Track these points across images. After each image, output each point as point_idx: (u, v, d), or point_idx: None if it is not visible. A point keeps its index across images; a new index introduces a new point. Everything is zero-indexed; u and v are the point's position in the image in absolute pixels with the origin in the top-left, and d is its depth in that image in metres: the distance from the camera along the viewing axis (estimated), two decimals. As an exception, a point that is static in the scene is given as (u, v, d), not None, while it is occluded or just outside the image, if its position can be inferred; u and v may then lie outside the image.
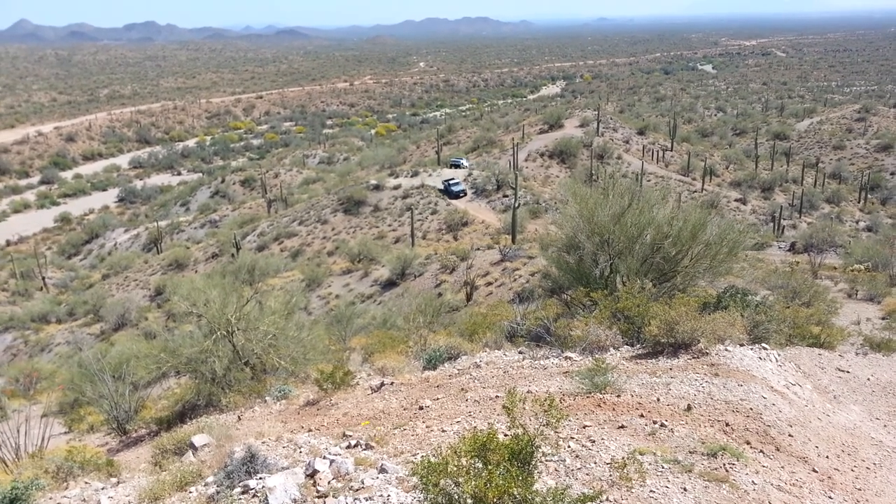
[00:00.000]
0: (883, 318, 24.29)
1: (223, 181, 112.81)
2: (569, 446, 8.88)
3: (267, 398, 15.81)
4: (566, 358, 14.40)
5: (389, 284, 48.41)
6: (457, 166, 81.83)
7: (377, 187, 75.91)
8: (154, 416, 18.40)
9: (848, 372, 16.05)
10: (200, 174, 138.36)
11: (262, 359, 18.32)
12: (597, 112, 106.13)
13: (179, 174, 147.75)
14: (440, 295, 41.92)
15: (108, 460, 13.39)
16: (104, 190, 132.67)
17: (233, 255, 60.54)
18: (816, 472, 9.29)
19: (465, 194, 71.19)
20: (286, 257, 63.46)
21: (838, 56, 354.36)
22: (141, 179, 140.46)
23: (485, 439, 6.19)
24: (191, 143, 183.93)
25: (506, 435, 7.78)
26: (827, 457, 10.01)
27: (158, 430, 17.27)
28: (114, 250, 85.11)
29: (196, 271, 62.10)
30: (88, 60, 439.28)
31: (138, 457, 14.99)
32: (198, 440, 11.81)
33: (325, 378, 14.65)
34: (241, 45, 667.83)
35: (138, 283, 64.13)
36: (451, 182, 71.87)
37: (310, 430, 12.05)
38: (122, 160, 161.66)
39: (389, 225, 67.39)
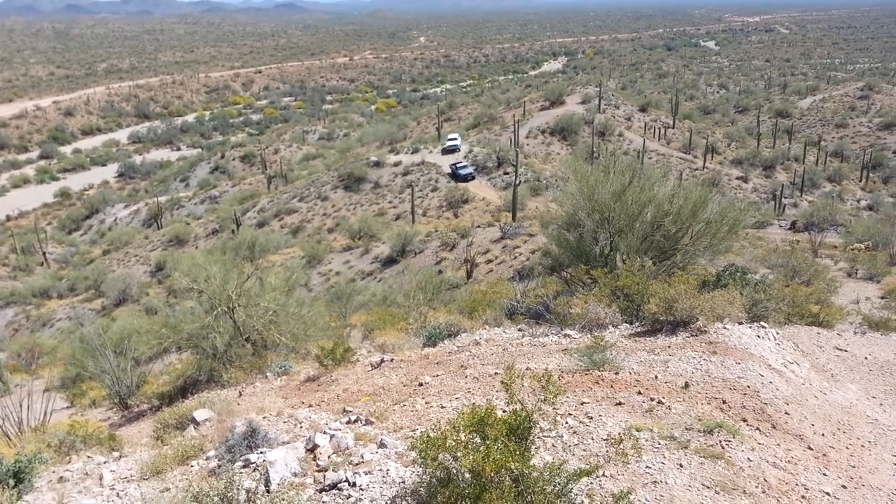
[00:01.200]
0: (882, 298, 24.36)
1: (223, 157, 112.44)
2: (566, 422, 8.96)
3: (268, 374, 15.92)
4: (565, 335, 14.47)
5: (390, 261, 48.48)
6: (452, 151, 77.22)
7: (377, 164, 75.65)
8: (155, 392, 18.54)
9: (846, 351, 16.13)
10: (200, 149, 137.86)
11: (262, 335, 18.42)
12: (598, 88, 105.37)
13: (179, 149, 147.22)
14: (440, 272, 42.02)
15: (110, 434, 13.52)
16: (103, 165, 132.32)
17: (233, 231, 60.54)
18: (812, 449, 9.38)
19: (474, 177, 68.85)
20: (286, 234, 63.47)
21: (842, 33, 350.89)
22: (140, 154, 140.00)
23: (483, 414, 6.25)
24: (190, 118, 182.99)
25: (504, 411, 7.84)
26: (823, 434, 10.10)
27: (160, 405, 17.40)
28: (114, 226, 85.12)
29: (196, 247, 62.14)
30: (86, 34, 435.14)
31: (140, 431, 15.12)
32: (199, 415, 11.91)
33: (325, 354, 14.74)
34: (239, 18, 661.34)
35: (139, 258, 64.20)
36: (458, 165, 69.99)
37: (310, 406, 12.15)
38: (121, 135, 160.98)
39: (390, 202, 67.27)
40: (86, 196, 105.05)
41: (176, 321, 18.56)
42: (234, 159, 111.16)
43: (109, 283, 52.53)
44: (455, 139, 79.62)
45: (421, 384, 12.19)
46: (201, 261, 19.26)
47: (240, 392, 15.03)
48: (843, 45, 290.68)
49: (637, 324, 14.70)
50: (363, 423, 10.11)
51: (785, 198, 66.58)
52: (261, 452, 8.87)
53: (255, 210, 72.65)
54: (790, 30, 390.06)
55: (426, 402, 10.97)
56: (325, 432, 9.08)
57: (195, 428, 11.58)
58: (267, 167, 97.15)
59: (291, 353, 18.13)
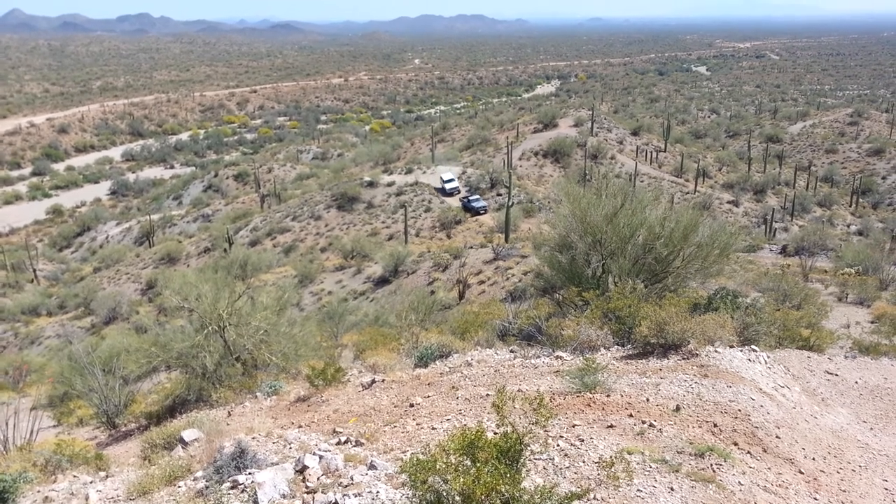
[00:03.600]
0: (872, 322, 24.45)
1: (216, 175, 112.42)
2: (558, 445, 8.93)
3: (258, 394, 15.81)
4: (557, 357, 14.47)
5: (382, 281, 48.40)
6: (451, 194, 70.62)
7: (371, 184, 75.82)
8: (144, 411, 18.35)
9: (836, 375, 16.18)
10: (193, 168, 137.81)
11: (253, 354, 18.30)
12: (591, 112, 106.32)
13: (172, 167, 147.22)
14: (433, 293, 41.93)
15: (97, 454, 13.37)
16: (96, 182, 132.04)
17: (225, 249, 60.34)
18: (803, 473, 9.38)
19: (486, 210, 66.19)
20: (279, 253, 63.35)
21: (831, 60, 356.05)
22: (133, 172, 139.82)
23: (473, 437, 6.22)
24: (184, 136, 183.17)
25: (495, 433, 7.81)
26: (813, 458, 10.10)
27: (148, 424, 17.22)
28: (105, 243, 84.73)
29: (188, 266, 61.92)
30: (81, 51, 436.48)
31: (127, 451, 14.96)
32: (187, 435, 11.80)
33: (316, 374, 14.66)
34: (235, 38, 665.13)
35: (130, 276, 63.88)
36: (471, 199, 67.25)
37: (300, 427, 12.06)
38: (115, 152, 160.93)
39: (383, 222, 67.35)
40: (77, 213, 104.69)
41: (166, 340, 18.42)
42: (227, 178, 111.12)
43: (99, 301, 52.19)
44: (452, 180, 72.62)
45: (412, 405, 12.14)
46: (192, 279, 19.20)
47: (229, 412, 14.91)
48: (833, 72, 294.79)
49: (629, 346, 14.72)
50: (353, 444, 10.05)
51: (776, 222, 67.02)
52: (249, 473, 8.79)
53: (248, 229, 72.53)
54: (780, 56, 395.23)
55: (417, 424, 10.92)
56: (314, 453, 9.02)
57: (183, 448, 11.46)
58: (260, 186, 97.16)
59: (282, 373, 18.02)
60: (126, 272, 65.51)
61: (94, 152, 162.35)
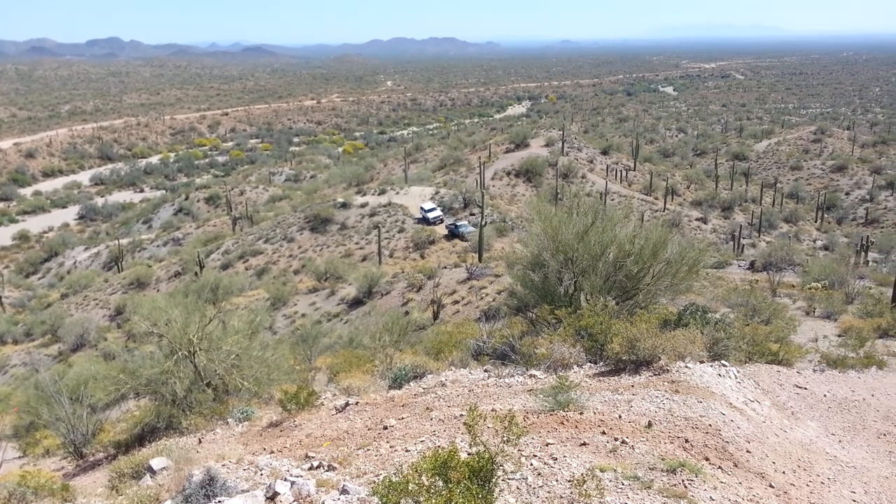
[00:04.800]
0: (839, 336, 24.83)
1: (187, 198, 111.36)
2: (531, 464, 8.92)
3: (229, 420, 15.58)
4: (531, 376, 14.49)
5: (356, 303, 48.16)
6: (434, 223, 68.11)
7: (344, 205, 75.67)
8: (112, 440, 17.98)
9: (805, 388, 16.42)
10: (164, 191, 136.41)
11: (224, 379, 18.05)
12: (562, 132, 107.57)
13: (142, 191, 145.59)
14: (407, 313, 41.82)
15: (64, 485, 13.05)
16: (64, 207, 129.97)
17: (196, 273, 59.62)
18: (773, 487, 9.47)
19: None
20: (251, 276, 62.75)
21: (794, 79, 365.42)
22: (102, 196, 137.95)
23: (446, 457, 6.20)
24: (154, 159, 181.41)
25: (469, 453, 7.79)
26: (783, 472, 10.22)
27: (116, 453, 16.87)
28: (73, 269, 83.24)
29: (158, 290, 61.03)
30: (50, 76, 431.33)
31: (95, 481, 14.62)
32: (156, 463, 11.57)
33: (288, 399, 14.51)
34: (206, 61, 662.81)
35: (98, 302, 62.76)
36: (458, 224, 65.79)
37: (272, 452, 11.90)
38: (83, 177, 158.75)
39: (356, 243, 67.15)
40: (45, 239, 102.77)
41: (134, 366, 18.11)
42: (198, 201, 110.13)
43: (67, 328, 51.14)
44: (434, 209, 69.59)
45: (386, 427, 12.06)
46: (162, 304, 18.94)
47: (199, 439, 14.67)
48: (796, 91, 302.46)
49: (601, 363, 14.80)
50: (326, 468, 9.93)
51: (743, 238, 68.13)
52: (219, 501, 8.64)
53: (220, 252, 71.80)
54: (745, 75, 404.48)
55: (391, 446, 10.84)
56: (285, 479, 8.90)
57: (152, 477, 11.24)
58: (232, 208, 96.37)
59: (254, 398, 17.79)
60: (94, 298, 64.35)
61: (62, 177, 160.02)
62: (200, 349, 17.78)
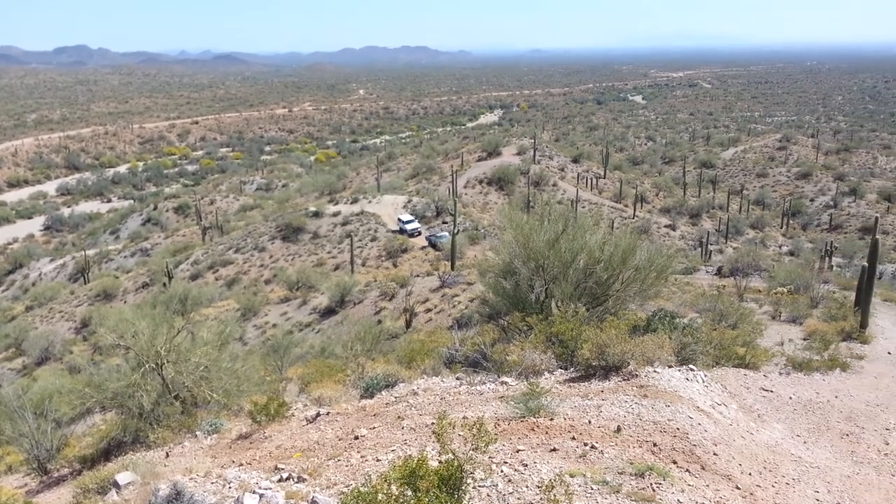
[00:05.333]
0: (804, 339, 25.27)
1: (156, 208, 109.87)
2: (502, 471, 8.94)
3: (197, 433, 15.36)
4: (502, 383, 14.53)
5: (328, 312, 47.87)
6: (413, 235, 67.32)
7: (316, 214, 75.29)
8: (77, 455, 17.59)
9: (772, 391, 16.70)
10: (132, 201, 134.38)
11: (193, 392, 17.79)
12: (533, 140, 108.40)
13: (110, 201, 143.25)
14: (380, 322, 41.68)
15: (27, 502, 12.75)
16: (29, 218, 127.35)
17: (164, 284, 58.76)
18: (739, 488, 9.61)
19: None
20: (221, 286, 62.03)
21: (760, 88, 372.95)
22: (69, 207, 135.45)
23: (414, 466, 6.19)
24: (122, 168, 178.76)
25: (440, 462, 7.78)
26: (749, 474, 10.37)
27: (81, 468, 16.51)
28: (38, 281, 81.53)
29: (125, 302, 60.05)
30: (16, 84, 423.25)
31: (59, 497, 14.32)
32: (122, 478, 11.36)
33: (258, 410, 14.36)
34: (176, 69, 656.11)
35: (64, 314, 61.53)
36: (437, 235, 65.40)
37: (241, 465, 11.76)
38: (50, 187, 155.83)
39: (329, 252, 66.80)
40: (9, 250, 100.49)
41: (100, 379, 17.75)
42: (167, 210, 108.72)
43: (31, 341, 50.05)
44: (412, 220, 69.00)
45: (357, 437, 11.99)
46: (129, 316, 18.62)
47: (167, 453, 14.44)
48: (762, 99, 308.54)
49: (572, 369, 14.90)
50: (295, 480, 9.85)
51: (711, 244, 69.15)
52: (186, 515, 8.52)
53: (189, 262, 70.90)
54: (712, 84, 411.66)
55: (362, 456, 10.78)
56: (254, 492, 8.81)
57: (117, 492, 11.03)
58: (202, 218, 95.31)
59: (223, 411, 17.55)
60: (60, 310, 63.07)
61: (27, 187, 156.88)
62: (168, 361, 17.51)
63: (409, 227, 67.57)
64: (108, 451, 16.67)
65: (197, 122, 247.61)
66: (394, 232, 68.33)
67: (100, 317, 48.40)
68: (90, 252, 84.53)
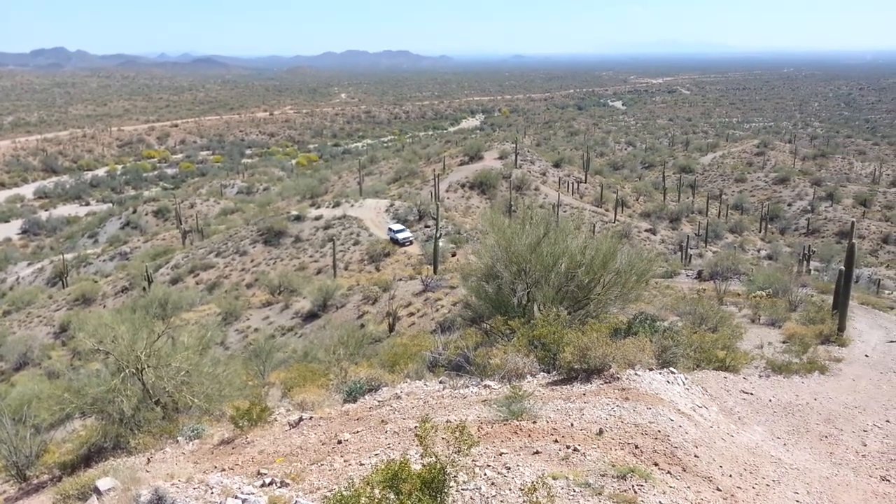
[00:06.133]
0: (783, 342, 25.61)
1: (135, 212, 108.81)
2: (485, 474, 8.98)
3: (179, 438, 15.24)
4: (485, 386, 14.58)
5: (311, 316, 47.69)
6: (405, 244, 65.60)
7: (298, 218, 75.00)
8: (57, 461, 17.38)
9: (751, 394, 16.91)
10: (110, 204, 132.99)
11: (174, 397, 17.65)
12: (515, 145, 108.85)
13: (88, 204, 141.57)
14: (362, 326, 41.60)
15: (3, 510, 12.57)
16: (6, 221, 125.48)
17: (144, 288, 58.21)
18: (720, 490, 9.72)
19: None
20: (202, 290, 61.55)
21: (738, 94, 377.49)
22: (46, 210, 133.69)
23: (397, 469, 6.22)
24: (101, 172, 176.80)
25: (423, 465, 7.81)
26: (730, 475, 10.49)
27: (61, 475, 16.33)
28: (16, 285, 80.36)
29: (104, 306, 59.36)
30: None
31: (38, 505, 14.13)
32: (102, 484, 11.24)
33: (240, 415, 14.27)
34: (155, 72, 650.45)
35: (42, 319, 60.71)
36: (401, 237, 65.76)
37: (223, 470, 11.69)
38: (27, 190, 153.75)
39: (311, 256, 66.54)
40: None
41: (80, 385, 17.57)
42: (146, 214, 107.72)
43: (9, 346, 49.32)
44: (403, 230, 67.51)
45: (340, 442, 11.97)
46: (108, 320, 18.43)
47: (148, 459, 14.31)
48: (740, 106, 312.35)
49: (554, 372, 14.98)
50: (278, 485, 9.81)
51: (691, 248, 69.83)
52: (168, 521, 8.46)
53: (169, 266, 70.29)
54: (691, 91, 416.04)
55: (345, 461, 10.77)
56: (236, 497, 8.77)
57: (98, 498, 10.92)
58: (182, 222, 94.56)
59: (205, 416, 17.42)
60: (38, 315, 62.22)
61: (4, 190, 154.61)
62: (148, 366, 17.36)
63: (400, 236, 66.18)
64: (89, 457, 16.49)
65: (176, 125, 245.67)
66: (392, 241, 66.54)
67: (79, 321, 47.74)
68: (68, 256, 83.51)
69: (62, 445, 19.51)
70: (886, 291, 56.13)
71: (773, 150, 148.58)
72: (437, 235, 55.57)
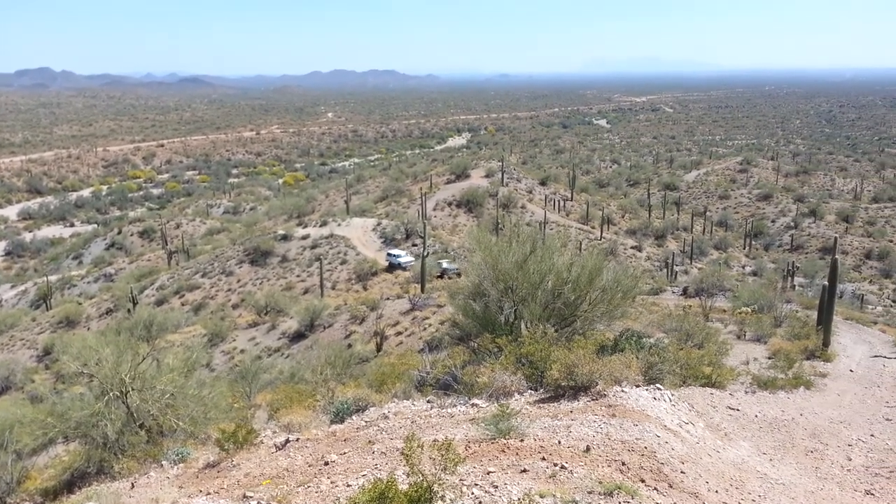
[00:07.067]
0: (769, 358, 25.79)
1: (120, 232, 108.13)
2: (472, 492, 8.96)
3: (163, 462, 15.08)
4: (473, 405, 14.56)
5: (298, 336, 47.46)
6: (405, 268, 64.30)
7: (285, 237, 74.84)
8: (39, 487, 17.12)
9: (738, 410, 16.99)
10: (95, 225, 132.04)
11: (158, 420, 17.47)
12: (501, 163, 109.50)
13: (73, 225, 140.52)
14: (350, 346, 41.46)
15: (-16, 537, 12.36)
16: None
17: (129, 310, 57.73)
18: (707, 506, 9.75)
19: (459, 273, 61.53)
20: (187, 311, 61.13)
21: (721, 112, 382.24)
22: (30, 231, 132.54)
23: (383, 488, 6.21)
24: (86, 192, 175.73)
25: (410, 485, 7.78)
26: (716, 491, 10.53)
27: (44, 501, 16.11)
28: (-3, 308, 79.40)
29: (88, 328, 58.79)
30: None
31: (19, 531, 13.90)
32: (86, 509, 11.11)
33: (226, 438, 14.15)
34: (141, 92, 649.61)
35: (25, 342, 59.98)
36: (439, 262, 63.22)
37: (208, 494, 11.58)
38: (11, 211, 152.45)
39: (298, 275, 66.34)
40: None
41: (63, 409, 17.35)
42: (132, 235, 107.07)
43: (-10, 370, 48.59)
44: (403, 255, 66.46)
45: (327, 463, 11.89)
46: (92, 343, 18.27)
47: (132, 483, 14.14)
48: (722, 123, 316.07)
49: (541, 390, 15.00)
50: (265, 507, 9.73)
51: (676, 265, 70.27)
52: (153, 545, 8.36)
53: (154, 287, 69.80)
54: (674, 109, 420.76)
55: (332, 482, 10.70)
56: (223, 519, 8.69)
57: (81, 524, 10.78)
58: (167, 242, 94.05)
59: (190, 439, 17.25)
60: (21, 338, 61.47)
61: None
62: (133, 389, 17.20)
63: (402, 260, 64.67)
64: (72, 483, 16.27)
65: (162, 145, 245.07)
66: (386, 270, 65.22)
67: (62, 344, 47.27)
68: (52, 278, 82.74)
69: (44, 471, 19.21)
70: (870, 306, 56.75)
71: (756, 167, 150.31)
72: (425, 254, 55.61)
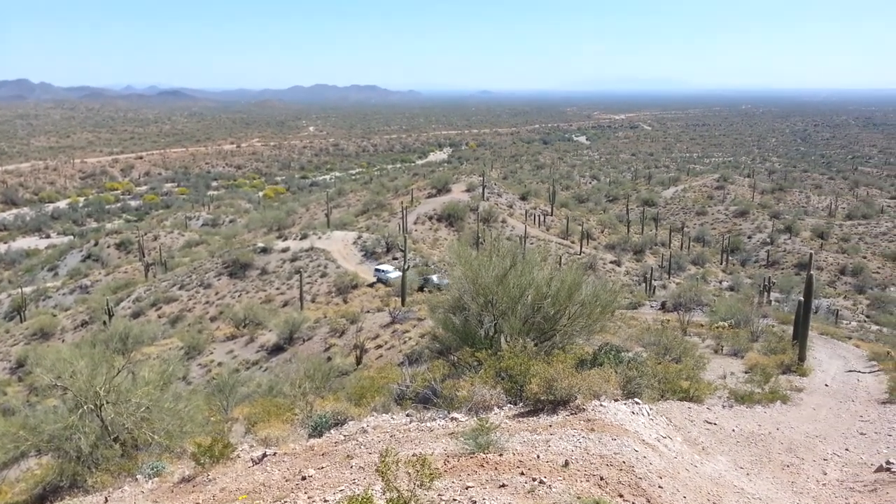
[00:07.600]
0: (746, 372, 26.05)
1: (96, 244, 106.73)
2: (451, 508, 8.93)
3: (138, 476, 14.84)
4: (452, 419, 14.52)
5: (277, 349, 47.07)
6: (390, 283, 62.38)
7: (265, 250, 74.37)
8: (10, 501, 16.80)
9: (715, 424, 17.12)
10: (71, 237, 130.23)
11: (133, 434, 17.20)
12: (482, 178, 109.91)
13: (48, 237, 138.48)
14: (329, 359, 41.17)
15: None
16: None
17: (105, 322, 56.91)
18: (684, 520, 9.79)
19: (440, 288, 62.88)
20: (164, 324, 60.41)
21: (698, 130, 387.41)
22: (5, 243, 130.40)
23: (361, 504, 6.17)
24: (62, 204, 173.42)
25: (390, 501, 7.73)
26: (694, 505, 10.58)
27: (13, 517, 15.75)
28: (-32, 320, 77.85)
29: (63, 340, 57.87)
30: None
31: (-13, 549, 13.59)
32: (57, 525, 10.90)
33: (202, 452, 13.97)
34: (121, 104, 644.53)
35: (-4, 355, 58.84)
36: (427, 278, 62.02)
37: (184, 508, 11.41)
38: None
39: (277, 288, 65.89)
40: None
41: (36, 422, 17.04)
42: (108, 246, 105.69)
43: (-41, 384, 47.62)
44: (389, 270, 65.27)
45: (304, 478, 11.78)
46: (67, 355, 17.98)
47: (106, 498, 13.90)
48: (700, 141, 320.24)
49: (521, 404, 15.00)
50: (241, 522, 9.61)
51: (654, 280, 70.83)
52: (126, 562, 8.21)
53: (131, 299, 68.93)
54: (653, 126, 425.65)
55: (309, 497, 10.60)
56: (198, 534, 8.56)
57: (52, 540, 10.56)
58: (145, 254, 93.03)
59: (165, 453, 17.01)
60: (-8, 350, 60.30)
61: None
62: (108, 402, 16.94)
63: (390, 276, 63.29)
64: (44, 497, 15.97)
65: (141, 157, 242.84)
66: (370, 285, 63.77)
67: (36, 356, 46.46)
68: (27, 289, 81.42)
69: (15, 485, 18.84)
70: (844, 322, 57.55)
71: (733, 184, 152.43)
72: (405, 268, 55.54)
